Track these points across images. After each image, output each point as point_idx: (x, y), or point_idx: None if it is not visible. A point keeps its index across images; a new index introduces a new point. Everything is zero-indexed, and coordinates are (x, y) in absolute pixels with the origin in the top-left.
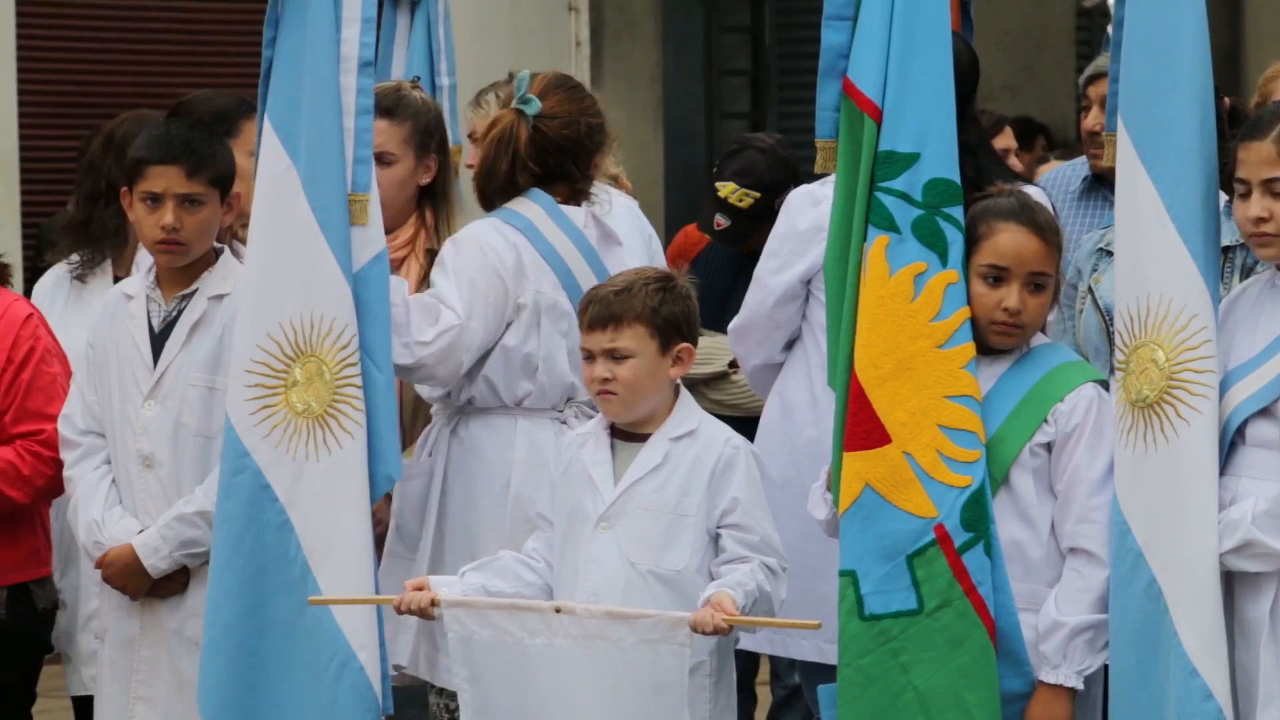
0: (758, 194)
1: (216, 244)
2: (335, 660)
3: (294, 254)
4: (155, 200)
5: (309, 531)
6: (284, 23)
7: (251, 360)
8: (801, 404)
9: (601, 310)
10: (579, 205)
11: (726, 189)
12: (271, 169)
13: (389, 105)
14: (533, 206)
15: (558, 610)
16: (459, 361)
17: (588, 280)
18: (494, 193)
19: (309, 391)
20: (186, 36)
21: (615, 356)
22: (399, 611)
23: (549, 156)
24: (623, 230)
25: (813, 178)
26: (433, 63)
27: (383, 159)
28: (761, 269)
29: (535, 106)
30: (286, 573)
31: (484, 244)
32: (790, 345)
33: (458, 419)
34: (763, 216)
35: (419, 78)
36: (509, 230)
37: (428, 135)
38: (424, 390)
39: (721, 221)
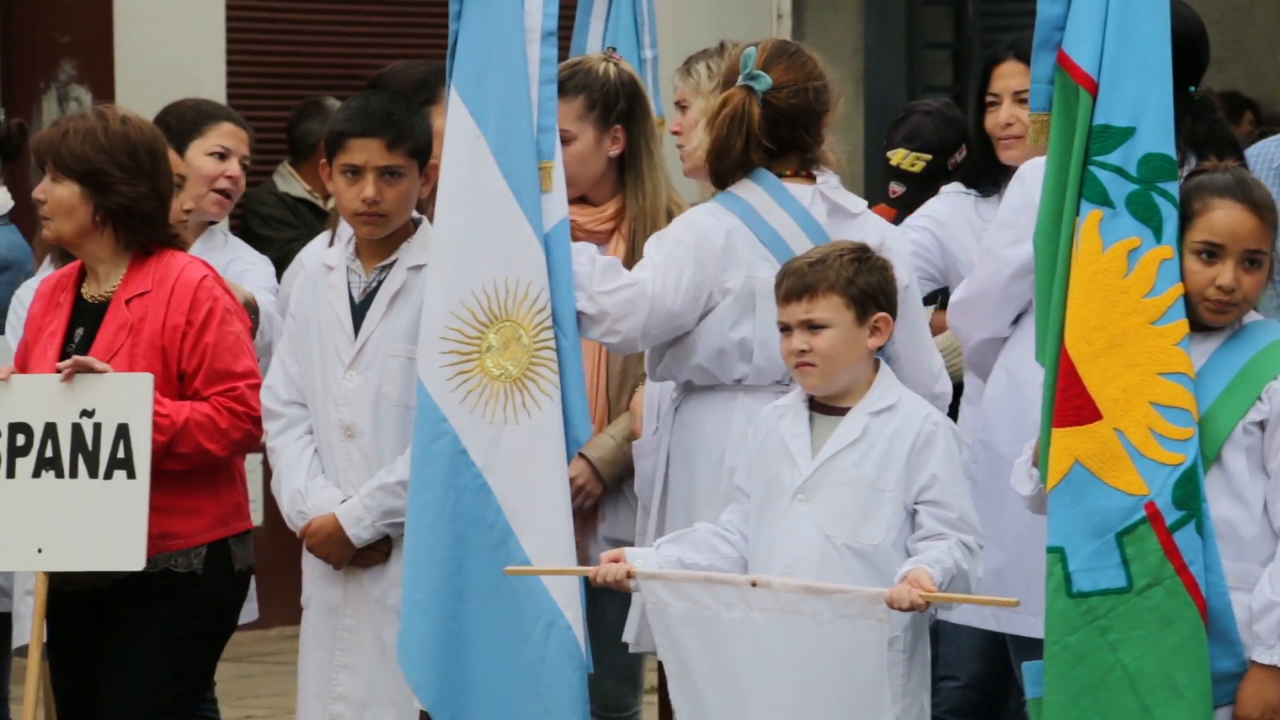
0: (929, 156)
1: (415, 214)
2: (542, 620)
3: (486, 221)
4: (355, 173)
5: (509, 495)
6: None
7: (446, 327)
8: (1030, 379)
9: (797, 282)
10: (809, 179)
11: (897, 155)
12: (460, 138)
13: (560, 79)
14: (755, 189)
15: (754, 584)
16: (641, 320)
17: None
18: (726, 172)
19: (505, 356)
20: (391, 9)
21: (812, 328)
22: (595, 583)
23: (781, 128)
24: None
25: None
26: (637, 35)
27: (561, 137)
28: (995, 241)
29: (765, 82)
30: (486, 536)
31: (694, 222)
32: (1017, 319)
33: (681, 397)
34: (936, 178)
35: (614, 49)
36: (724, 214)
37: (608, 107)
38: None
39: (896, 189)
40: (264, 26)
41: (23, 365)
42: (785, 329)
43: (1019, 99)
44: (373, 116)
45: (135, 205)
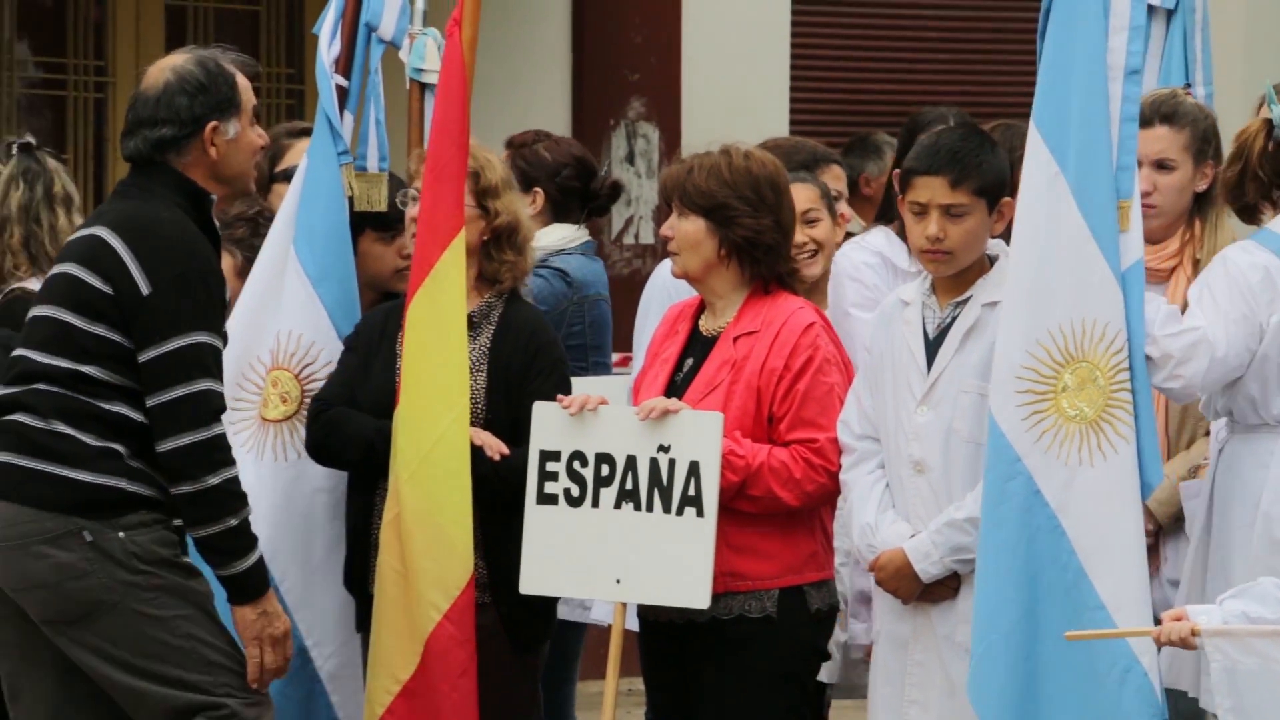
0: None
1: (990, 252)
2: (1117, 666)
3: (1064, 259)
4: (921, 210)
5: (1083, 537)
6: (1051, 31)
7: (1022, 366)
8: None
9: None
10: None
11: None
12: (1039, 175)
13: (1168, 112)
14: None
15: None
16: (1203, 365)
17: None
18: (1242, 208)
19: (1080, 396)
20: (949, 48)
21: None
22: (1159, 644)
23: None
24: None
25: None
26: (1188, 71)
27: (1163, 165)
28: None
29: None
30: (1059, 578)
31: (1230, 262)
32: None
33: (1225, 439)
34: None
35: (1189, 86)
36: (1258, 250)
37: (1205, 142)
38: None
39: None
40: (827, 64)
41: (637, 388)
42: None
43: None
44: (939, 155)
45: (759, 238)
